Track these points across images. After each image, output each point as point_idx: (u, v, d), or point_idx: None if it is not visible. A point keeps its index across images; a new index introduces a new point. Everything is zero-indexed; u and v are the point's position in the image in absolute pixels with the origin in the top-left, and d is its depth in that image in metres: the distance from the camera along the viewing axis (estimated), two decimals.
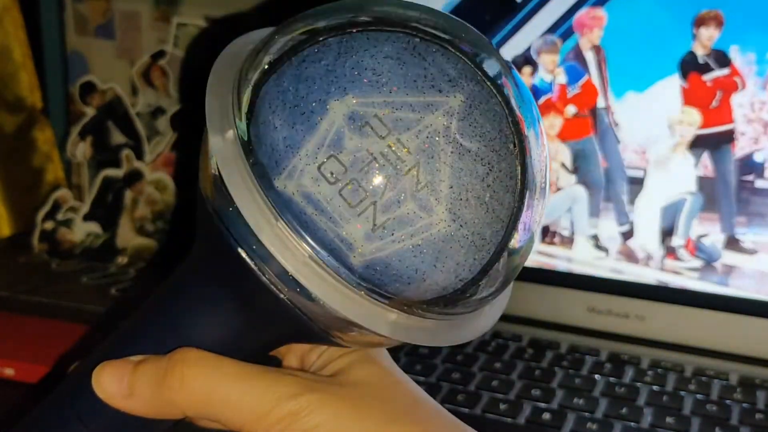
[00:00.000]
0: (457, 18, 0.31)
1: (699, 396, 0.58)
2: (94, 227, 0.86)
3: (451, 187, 0.28)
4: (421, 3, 0.31)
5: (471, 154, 0.28)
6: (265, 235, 0.28)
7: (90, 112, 0.87)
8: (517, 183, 0.29)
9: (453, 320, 0.31)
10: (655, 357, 0.64)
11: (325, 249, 0.28)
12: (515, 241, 0.30)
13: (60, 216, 0.86)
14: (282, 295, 0.29)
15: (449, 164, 0.28)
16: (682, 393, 0.59)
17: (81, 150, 0.87)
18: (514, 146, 0.29)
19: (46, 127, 0.90)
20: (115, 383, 0.31)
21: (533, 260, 0.69)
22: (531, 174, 0.30)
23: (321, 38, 0.29)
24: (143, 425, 0.32)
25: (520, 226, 0.30)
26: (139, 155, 0.85)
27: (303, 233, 0.28)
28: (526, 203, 0.30)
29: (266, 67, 0.29)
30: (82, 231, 0.86)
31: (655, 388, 0.59)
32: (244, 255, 0.29)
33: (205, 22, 0.82)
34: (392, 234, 0.28)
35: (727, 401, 0.58)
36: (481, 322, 0.32)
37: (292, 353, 0.35)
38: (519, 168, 0.29)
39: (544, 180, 0.31)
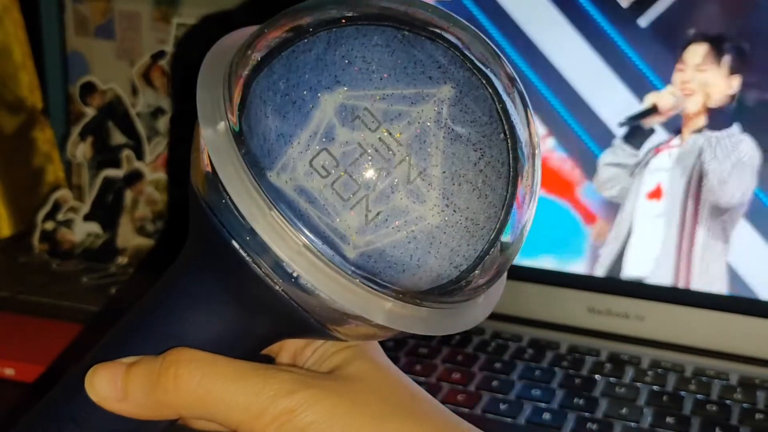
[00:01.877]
0: (445, 9, 0.31)
1: (699, 396, 0.58)
2: (94, 227, 0.86)
3: (444, 173, 0.28)
4: None
5: (462, 140, 0.28)
6: (258, 224, 0.28)
7: (90, 112, 0.87)
8: (510, 170, 0.29)
9: (448, 309, 0.31)
10: (655, 357, 0.63)
11: (319, 239, 0.28)
12: (509, 229, 0.30)
13: (60, 216, 0.86)
14: (277, 287, 0.29)
15: (441, 149, 0.28)
16: (682, 393, 0.59)
17: (81, 150, 0.87)
18: (505, 134, 0.29)
19: (46, 128, 0.90)
20: (108, 386, 0.31)
21: (533, 260, 0.69)
22: (522, 161, 0.30)
23: (311, 30, 0.29)
24: (138, 426, 0.32)
25: (513, 214, 0.30)
26: (140, 155, 0.85)
27: (297, 222, 0.28)
28: (518, 190, 0.30)
29: (257, 60, 0.29)
30: (82, 231, 0.86)
31: (655, 388, 0.59)
32: (237, 247, 0.29)
33: (202, 20, 0.82)
34: (386, 224, 0.28)
35: (727, 401, 0.58)
36: (476, 311, 0.32)
37: (285, 351, 0.35)
38: (510, 155, 0.29)
39: (535, 168, 0.31)
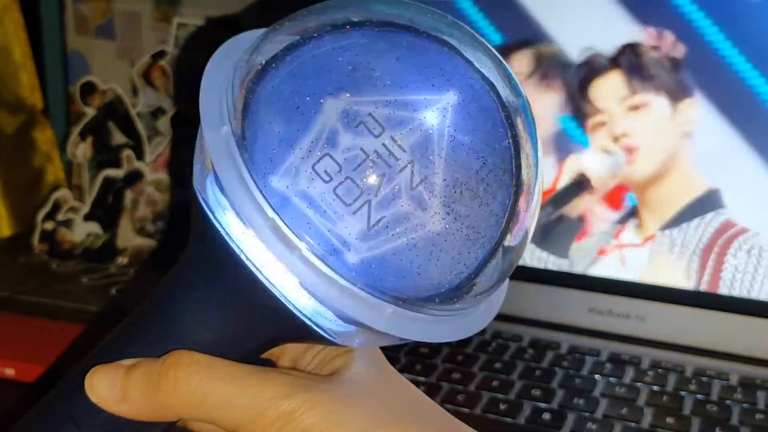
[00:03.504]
0: (450, 16, 0.31)
1: (699, 396, 0.58)
2: (94, 227, 0.86)
3: (445, 180, 0.28)
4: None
5: (465, 148, 0.28)
6: (259, 230, 0.28)
7: (90, 112, 0.87)
8: (512, 178, 0.29)
9: (449, 316, 0.30)
10: (655, 357, 0.63)
11: (321, 244, 0.28)
12: (510, 237, 0.30)
13: (60, 216, 0.86)
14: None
15: (443, 157, 0.28)
16: (683, 393, 0.59)
17: (81, 150, 0.87)
18: (508, 142, 0.29)
19: (46, 128, 0.90)
20: (108, 387, 0.31)
21: (533, 260, 0.69)
22: (524, 170, 0.30)
23: (315, 35, 0.29)
24: (137, 428, 0.32)
25: (515, 222, 0.30)
26: (140, 155, 0.85)
27: (298, 228, 0.28)
28: (520, 198, 0.30)
29: (261, 64, 0.29)
30: (82, 231, 0.86)
31: (655, 388, 0.59)
32: (238, 252, 0.29)
33: (205, 22, 0.82)
34: (387, 230, 0.28)
35: (728, 401, 0.58)
36: (477, 319, 0.32)
37: (286, 355, 0.35)
38: (513, 163, 0.29)
39: (537, 177, 0.31)
